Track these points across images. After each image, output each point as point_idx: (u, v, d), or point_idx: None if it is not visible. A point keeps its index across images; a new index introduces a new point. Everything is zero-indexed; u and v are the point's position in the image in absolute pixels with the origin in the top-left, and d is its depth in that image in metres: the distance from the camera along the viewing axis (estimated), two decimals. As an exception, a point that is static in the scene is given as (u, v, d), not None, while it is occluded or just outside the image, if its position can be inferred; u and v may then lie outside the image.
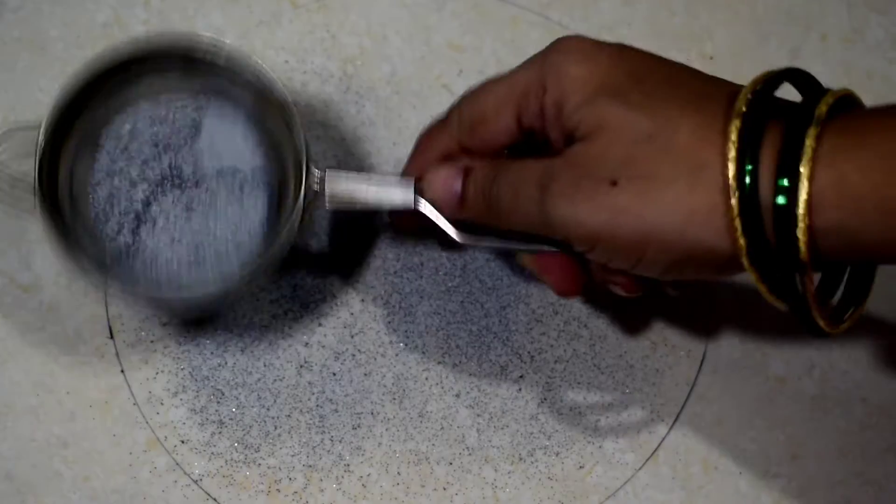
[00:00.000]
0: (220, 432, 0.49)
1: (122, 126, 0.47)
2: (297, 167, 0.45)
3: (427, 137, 0.46)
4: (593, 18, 0.55)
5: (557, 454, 0.49)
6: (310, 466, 0.49)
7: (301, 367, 0.50)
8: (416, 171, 0.45)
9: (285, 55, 0.54)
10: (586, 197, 0.39)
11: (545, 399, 0.50)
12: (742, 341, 0.51)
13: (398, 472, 0.49)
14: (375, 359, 0.50)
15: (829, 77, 0.54)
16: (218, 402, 0.50)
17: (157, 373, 0.50)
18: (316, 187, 0.45)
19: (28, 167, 0.45)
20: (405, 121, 0.53)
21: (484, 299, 0.51)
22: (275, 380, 0.50)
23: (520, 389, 0.50)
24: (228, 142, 0.47)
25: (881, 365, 0.51)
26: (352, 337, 0.51)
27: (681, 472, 0.49)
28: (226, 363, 0.50)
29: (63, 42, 0.54)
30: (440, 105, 0.46)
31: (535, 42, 0.54)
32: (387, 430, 0.50)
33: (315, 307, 0.51)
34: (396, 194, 0.44)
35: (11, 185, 0.47)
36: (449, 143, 0.45)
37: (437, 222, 0.45)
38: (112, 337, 0.50)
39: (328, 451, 0.49)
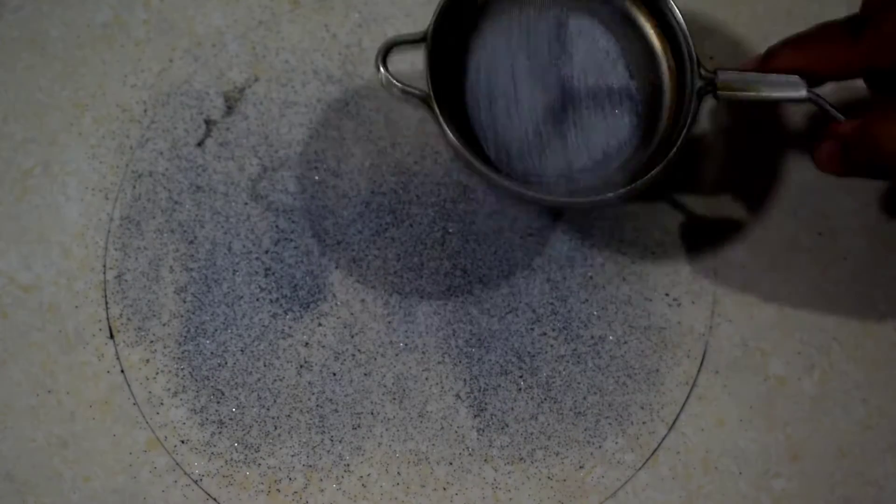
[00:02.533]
0: (220, 432, 0.49)
1: (492, 42, 0.48)
2: (679, 62, 0.48)
3: (822, 32, 0.46)
4: (593, 18, 0.55)
5: (557, 454, 0.49)
6: (310, 466, 0.49)
7: (301, 367, 0.50)
8: (802, 62, 0.46)
9: (285, 55, 0.54)
10: None
11: (545, 399, 0.50)
12: (742, 341, 0.51)
13: (398, 472, 0.49)
14: (375, 359, 0.50)
15: (829, 77, 0.54)
16: (218, 402, 0.50)
17: (157, 373, 0.50)
18: (705, 76, 0.47)
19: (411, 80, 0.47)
20: (405, 120, 0.53)
21: (484, 299, 0.51)
22: (275, 380, 0.50)
23: (520, 389, 0.50)
24: (593, 57, 0.48)
25: (881, 365, 0.51)
26: (352, 337, 0.51)
27: (681, 472, 0.49)
28: (226, 363, 0.50)
29: (63, 42, 0.54)
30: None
31: (535, 42, 0.54)
32: (387, 430, 0.50)
33: (315, 307, 0.51)
34: (788, 88, 0.46)
35: (403, 95, 0.47)
36: (845, 53, 0.45)
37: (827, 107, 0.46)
38: (112, 337, 0.50)
39: (328, 451, 0.49)
